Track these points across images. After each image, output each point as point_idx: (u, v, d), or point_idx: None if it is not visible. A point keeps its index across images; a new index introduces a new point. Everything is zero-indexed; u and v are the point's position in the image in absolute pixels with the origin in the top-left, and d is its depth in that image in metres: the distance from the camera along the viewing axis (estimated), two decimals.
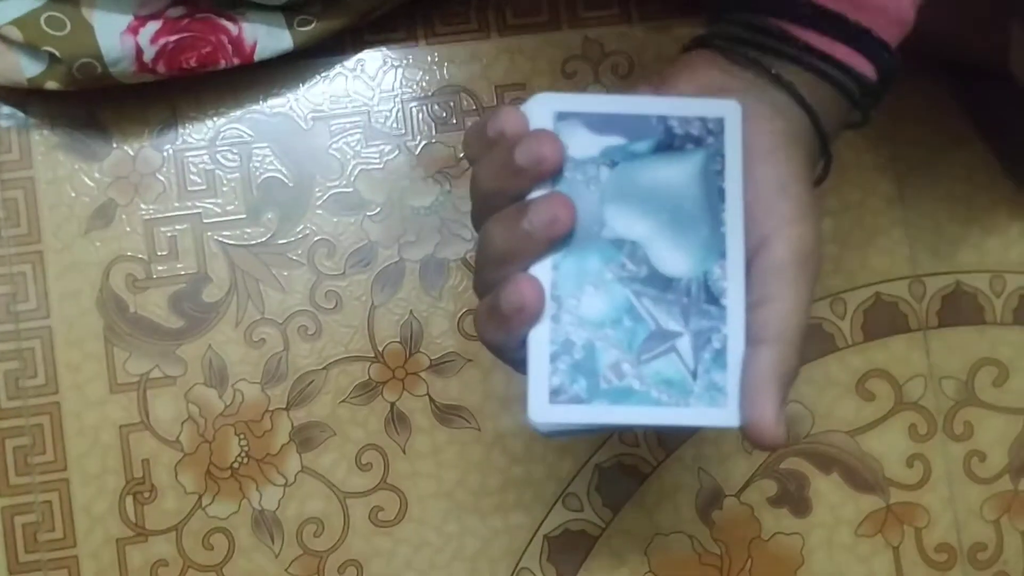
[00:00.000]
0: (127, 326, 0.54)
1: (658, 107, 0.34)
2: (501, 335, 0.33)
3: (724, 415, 0.33)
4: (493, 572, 0.54)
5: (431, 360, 0.54)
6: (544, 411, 0.32)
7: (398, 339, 0.54)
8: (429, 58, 0.55)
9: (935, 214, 0.57)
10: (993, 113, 0.55)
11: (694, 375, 0.33)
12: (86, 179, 0.54)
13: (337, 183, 0.55)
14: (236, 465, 0.53)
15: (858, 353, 0.56)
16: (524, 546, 0.54)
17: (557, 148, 0.32)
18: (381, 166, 0.55)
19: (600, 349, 0.33)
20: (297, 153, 0.54)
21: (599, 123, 0.33)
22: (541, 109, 0.33)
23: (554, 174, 0.32)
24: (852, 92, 0.36)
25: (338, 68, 0.55)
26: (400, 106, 0.55)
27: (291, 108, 0.55)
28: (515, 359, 0.34)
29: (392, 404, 0.54)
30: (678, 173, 0.34)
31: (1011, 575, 0.56)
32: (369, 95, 0.55)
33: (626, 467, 0.55)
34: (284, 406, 0.54)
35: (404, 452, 0.54)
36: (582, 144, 0.33)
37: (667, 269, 0.33)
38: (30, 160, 0.54)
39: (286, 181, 0.54)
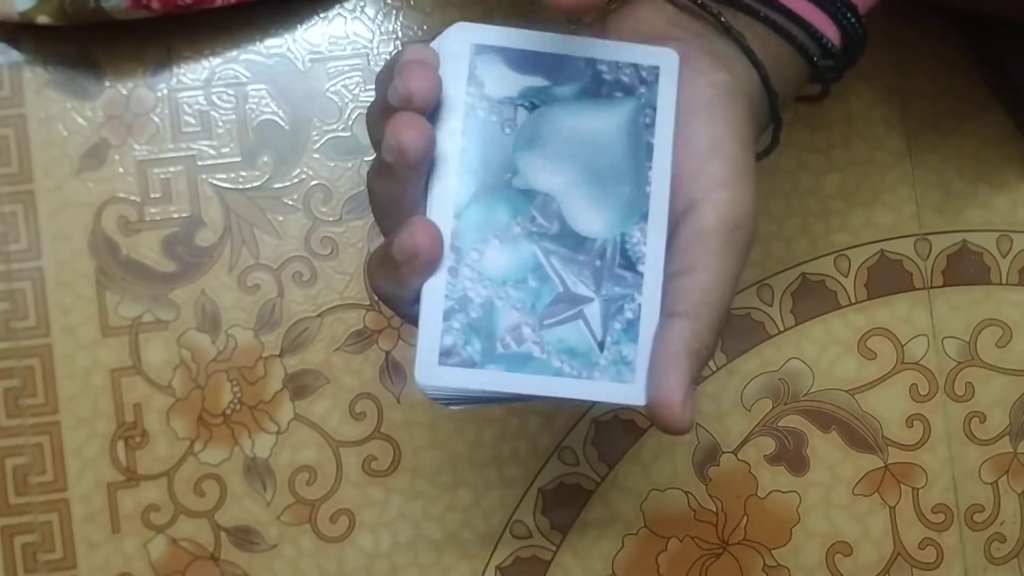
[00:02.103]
0: (119, 269, 0.53)
1: (588, 49, 0.31)
2: (391, 285, 0.30)
3: (630, 392, 0.30)
4: (487, 524, 0.54)
5: None
6: (432, 373, 0.29)
7: None
8: (431, 0, 0.54)
9: (943, 171, 0.56)
10: (1007, 68, 0.54)
11: (601, 346, 0.30)
12: (78, 118, 0.53)
13: (335, 127, 0.53)
14: (228, 411, 0.53)
15: (860, 311, 0.55)
16: (519, 499, 0.54)
17: (428, 80, 0.28)
18: None
19: (500, 309, 0.29)
20: (294, 95, 0.53)
21: (521, 61, 0.30)
22: (456, 41, 0.30)
23: (427, 110, 0.29)
24: (811, 54, 0.33)
25: (337, 9, 0.54)
26: (400, 48, 0.54)
27: (289, 49, 0.53)
28: (410, 314, 0.30)
29: (387, 353, 0.53)
30: (603, 123, 0.30)
31: (1008, 537, 0.56)
32: (369, 37, 0.54)
33: (623, 422, 0.54)
34: (278, 353, 0.53)
35: (398, 401, 0.53)
36: (500, 82, 0.30)
37: (581, 227, 0.30)
38: (21, 98, 0.53)
39: (282, 124, 0.53)
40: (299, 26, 0.53)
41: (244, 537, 0.53)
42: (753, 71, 0.32)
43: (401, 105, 0.28)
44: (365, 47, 0.54)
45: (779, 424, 0.55)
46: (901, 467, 0.55)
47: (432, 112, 0.29)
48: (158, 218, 0.53)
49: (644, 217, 0.30)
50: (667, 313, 0.30)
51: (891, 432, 0.55)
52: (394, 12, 0.54)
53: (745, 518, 0.55)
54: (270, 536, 0.53)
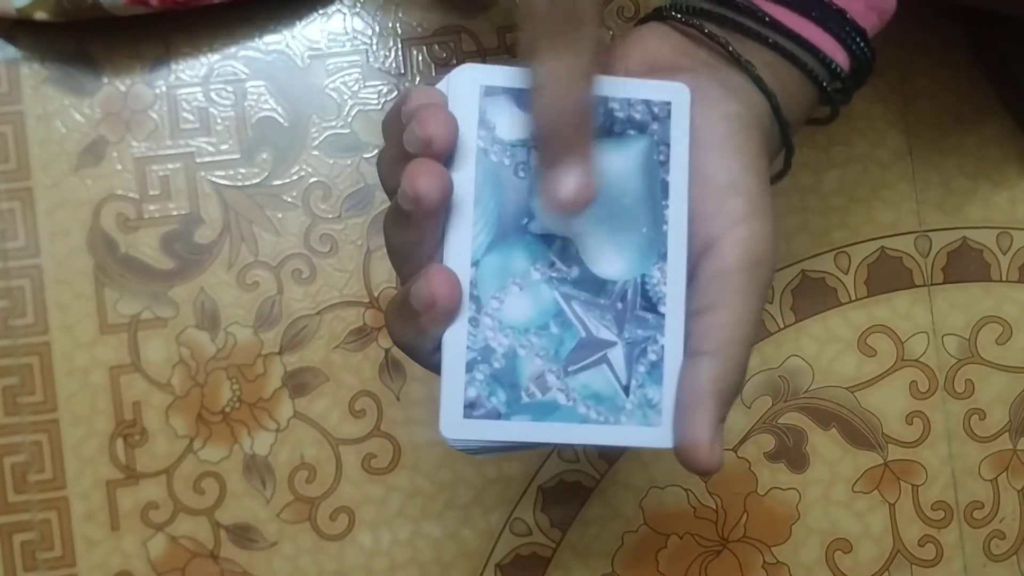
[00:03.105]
0: (118, 266, 0.53)
1: (599, 87, 0.29)
2: (411, 334, 0.29)
3: (657, 435, 0.29)
4: (487, 521, 0.54)
5: None
6: (457, 426, 0.29)
7: (394, 284, 0.53)
8: None
9: (943, 168, 0.56)
10: (1008, 65, 0.54)
11: (627, 390, 0.29)
12: (76, 115, 0.52)
13: (334, 123, 0.53)
14: (228, 409, 0.53)
15: (861, 308, 0.55)
16: (518, 496, 0.54)
17: (446, 124, 0.28)
18: (379, 107, 0.53)
19: (523, 357, 0.29)
20: (293, 92, 0.53)
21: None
22: (464, 83, 0.29)
23: (445, 155, 0.28)
24: (821, 79, 0.33)
25: (336, 5, 0.54)
26: (399, 46, 0.54)
27: (287, 45, 0.53)
28: (431, 362, 0.30)
29: (386, 351, 0.53)
30: (617, 162, 0.30)
31: (1007, 533, 0.56)
32: (368, 34, 0.54)
33: None
34: (277, 350, 0.53)
35: (398, 399, 0.53)
36: (511, 124, 0.29)
37: (601, 270, 0.30)
38: (19, 94, 0.52)
39: (281, 121, 0.53)
40: (298, 22, 0.53)
41: (243, 535, 0.53)
42: (763, 100, 0.32)
43: (419, 151, 0.28)
44: (364, 44, 0.54)
45: (779, 421, 0.55)
46: (901, 464, 0.55)
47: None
48: (157, 215, 0.53)
49: (663, 257, 0.30)
50: (691, 352, 0.30)
51: (891, 429, 0.55)
52: (393, 9, 0.54)
53: (745, 515, 0.55)
54: (269, 534, 0.53)
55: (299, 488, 0.53)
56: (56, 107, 0.52)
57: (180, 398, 0.53)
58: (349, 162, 0.53)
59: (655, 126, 0.30)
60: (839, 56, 0.33)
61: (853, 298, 0.55)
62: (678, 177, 0.30)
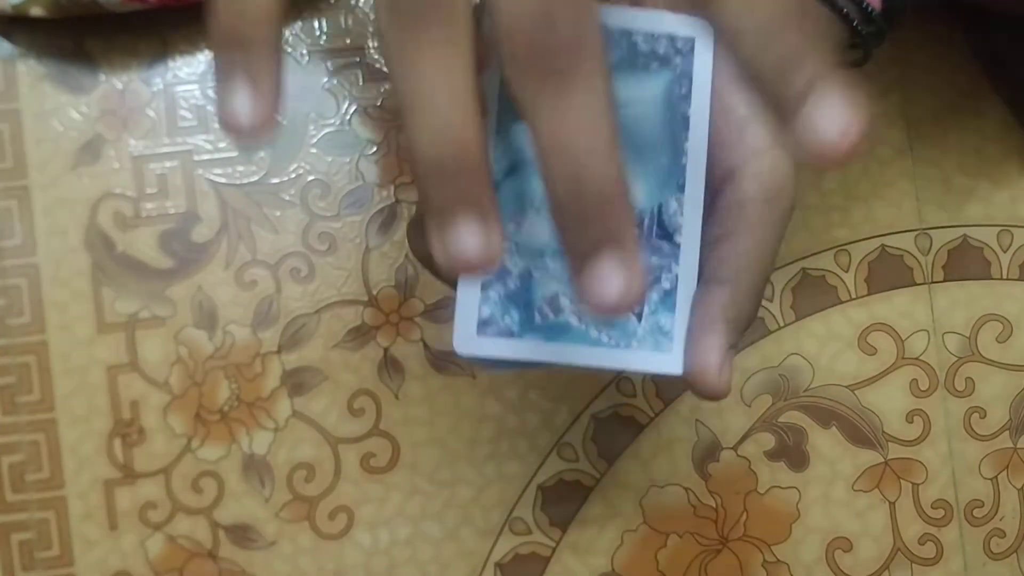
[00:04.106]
0: (115, 265, 0.52)
1: (624, 20, 0.30)
2: (434, 255, 0.25)
3: (668, 361, 0.30)
4: (486, 520, 0.54)
5: (426, 305, 0.53)
6: (470, 343, 0.30)
7: (392, 283, 0.53)
8: None
9: (944, 165, 0.56)
10: (1008, 63, 0.54)
11: (639, 315, 0.30)
12: (73, 113, 0.52)
13: (332, 121, 0.53)
14: (226, 408, 0.53)
15: (861, 306, 0.55)
16: (518, 495, 0.54)
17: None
18: (378, 105, 0.53)
19: (537, 280, 0.30)
20: (291, 89, 0.53)
21: None
22: None
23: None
24: (852, 19, 0.32)
25: (336, 3, 0.53)
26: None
27: (285, 42, 0.53)
28: (445, 276, 0.28)
29: (385, 349, 0.53)
30: (638, 94, 0.30)
31: (1007, 532, 0.56)
32: (367, 31, 0.53)
33: (623, 418, 0.54)
34: (275, 349, 0.53)
35: (397, 398, 0.53)
36: None
37: None
38: (15, 92, 0.52)
39: (279, 119, 0.53)
40: (296, 20, 0.53)
41: (242, 534, 0.53)
42: None
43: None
44: (363, 41, 0.53)
45: (779, 420, 0.55)
46: (901, 463, 0.55)
47: None
48: (154, 214, 0.52)
49: (681, 188, 0.30)
50: (705, 280, 0.30)
51: (891, 428, 0.55)
52: None
53: (745, 514, 0.55)
54: (268, 533, 0.53)
55: (298, 487, 0.53)
56: (53, 105, 0.52)
57: (178, 397, 0.52)
58: (348, 160, 0.53)
59: (678, 60, 0.30)
60: None
61: (853, 296, 0.55)
62: (699, 111, 0.30)
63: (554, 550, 0.54)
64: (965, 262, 0.56)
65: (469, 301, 0.30)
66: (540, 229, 0.30)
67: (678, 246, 0.30)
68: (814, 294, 0.55)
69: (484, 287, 0.29)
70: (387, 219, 0.53)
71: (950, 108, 0.56)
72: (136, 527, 0.52)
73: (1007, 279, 0.56)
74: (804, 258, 0.55)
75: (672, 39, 0.30)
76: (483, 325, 0.30)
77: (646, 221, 0.30)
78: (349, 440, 0.53)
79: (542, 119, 0.22)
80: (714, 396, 0.30)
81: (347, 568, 0.53)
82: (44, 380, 0.52)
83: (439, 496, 0.53)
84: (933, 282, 0.55)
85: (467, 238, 0.23)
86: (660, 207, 0.30)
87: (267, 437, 0.53)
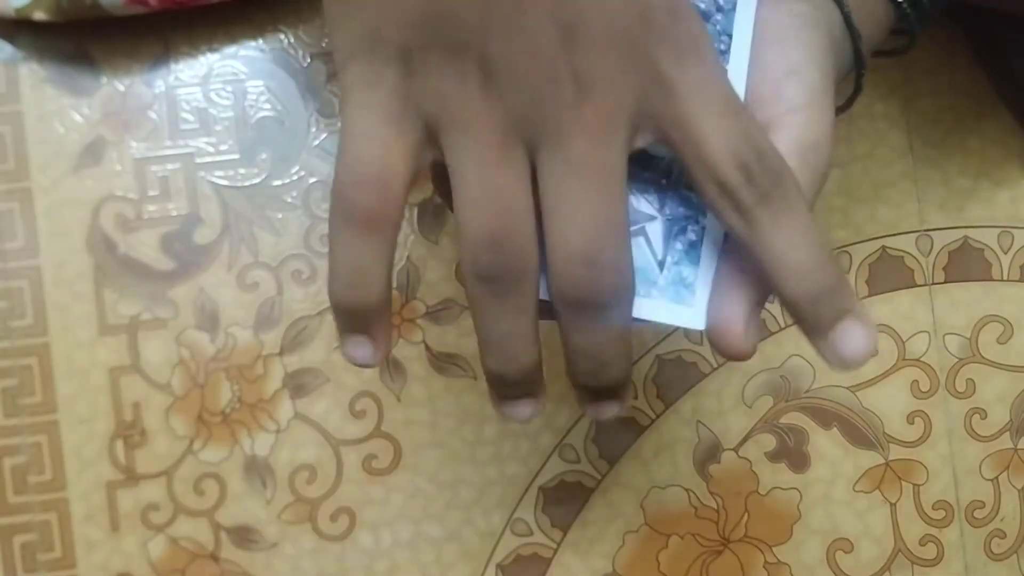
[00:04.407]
0: (117, 267, 0.52)
1: None
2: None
3: (688, 314, 0.29)
4: (487, 522, 0.54)
5: (427, 307, 0.53)
6: None
7: (394, 285, 0.53)
8: None
9: (945, 167, 0.56)
10: (1009, 64, 0.54)
11: (661, 265, 0.29)
12: (75, 115, 0.52)
13: (334, 123, 0.53)
14: (228, 410, 0.53)
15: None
16: (519, 497, 0.54)
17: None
18: None
19: None
20: (293, 92, 0.53)
21: None
22: None
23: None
24: (901, 2, 0.32)
25: None
26: None
27: (287, 45, 0.53)
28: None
29: None
30: None
31: (1008, 533, 0.56)
32: None
33: (624, 419, 0.54)
34: (277, 351, 0.53)
35: (399, 400, 0.53)
36: None
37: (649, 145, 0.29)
38: (18, 94, 0.52)
39: (281, 121, 0.53)
40: (298, 22, 0.53)
41: (244, 536, 0.53)
42: (835, 8, 0.31)
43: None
44: None
45: (780, 421, 0.55)
46: (902, 464, 0.55)
47: None
48: (156, 216, 0.53)
49: None
50: None
51: (892, 429, 0.55)
52: None
53: (746, 515, 0.55)
54: (270, 535, 0.53)
55: (300, 489, 0.53)
56: (55, 107, 0.52)
57: (180, 399, 0.52)
58: None
59: (719, 17, 0.30)
60: None
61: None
62: (737, 68, 0.30)
63: (555, 551, 0.54)
64: (966, 263, 0.56)
65: None
66: None
67: None
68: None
69: None
70: None
71: (951, 110, 0.56)
72: (138, 529, 0.52)
73: (1008, 280, 0.56)
74: None
75: None
76: None
77: (675, 169, 0.30)
78: (351, 442, 0.53)
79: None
80: (738, 356, 0.30)
81: (349, 569, 0.53)
82: (46, 382, 0.52)
83: (441, 497, 0.54)
84: (934, 283, 0.56)
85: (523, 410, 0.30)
86: None
87: (269, 439, 0.53)
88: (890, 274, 0.55)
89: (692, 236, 0.29)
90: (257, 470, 0.53)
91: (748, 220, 0.27)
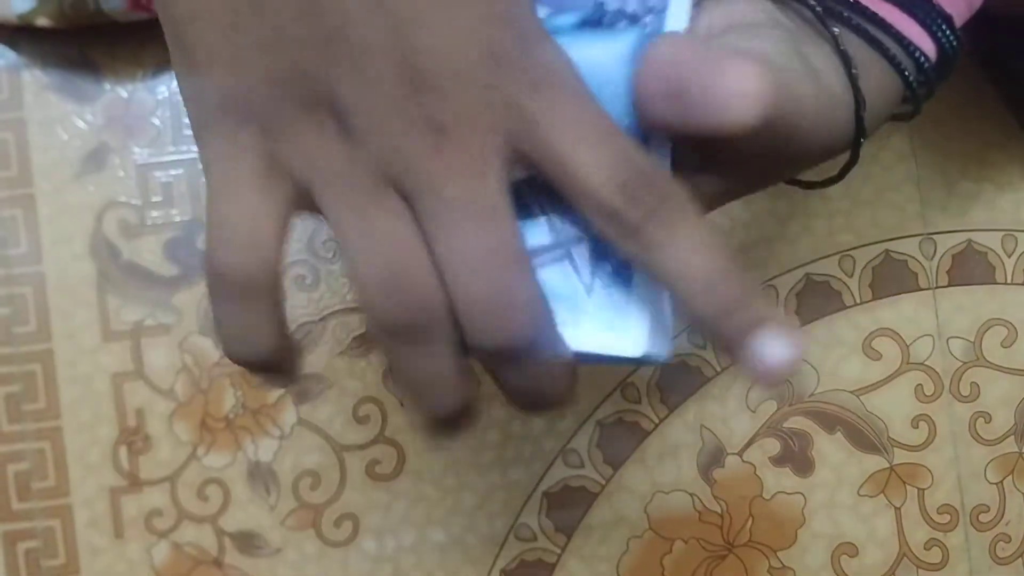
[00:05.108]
0: (120, 273, 0.52)
1: None
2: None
3: (619, 342, 0.27)
4: (491, 527, 0.54)
5: None
6: None
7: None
8: None
9: (948, 170, 0.56)
10: (1011, 67, 0.54)
11: (588, 289, 0.27)
12: (78, 121, 0.52)
13: None
14: (231, 416, 0.53)
15: (866, 312, 0.55)
16: (523, 502, 0.54)
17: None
18: None
19: None
20: None
21: None
22: None
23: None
24: (905, 70, 0.30)
25: None
26: None
27: None
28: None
29: None
30: (602, 53, 0.27)
31: (1013, 537, 0.56)
32: None
33: (627, 424, 0.54)
34: None
35: (402, 405, 0.53)
36: None
37: None
38: (20, 101, 0.52)
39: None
40: None
41: (248, 542, 0.53)
42: (841, 76, 0.29)
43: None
44: None
45: (784, 425, 0.55)
46: (907, 468, 0.55)
47: None
48: (159, 222, 0.53)
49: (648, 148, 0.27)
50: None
51: (896, 433, 0.55)
52: None
53: (750, 520, 0.55)
54: (274, 541, 0.53)
55: (303, 495, 0.53)
56: (58, 114, 0.52)
57: (183, 405, 0.52)
58: None
59: (649, 19, 0.27)
60: (925, 45, 0.30)
61: (858, 301, 0.55)
62: None
63: (560, 556, 0.54)
64: (969, 267, 0.56)
65: None
66: None
67: None
68: (818, 299, 0.55)
69: None
70: None
71: (954, 114, 0.56)
72: (142, 535, 0.52)
73: (1012, 284, 0.56)
74: (808, 263, 0.55)
75: None
76: None
77: None
78: (354, 447, 0.53)
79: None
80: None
81: (353, 575, 0.53)
82: (50, 388, 0.52)
83: (444, 503, 0.53)
84: (938, 287, 0.55)
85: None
86: None
87: (272, 444, 0.53)
88: (894, 278, 0.55)
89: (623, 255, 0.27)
90: (261, 476, 0.53)
91: (641, 242, 0.25)
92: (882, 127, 0.33)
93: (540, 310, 0.26)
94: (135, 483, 0.52)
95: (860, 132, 0.30)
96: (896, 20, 0.30)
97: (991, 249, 0.56)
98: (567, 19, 0.27)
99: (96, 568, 0.52)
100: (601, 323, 0.27)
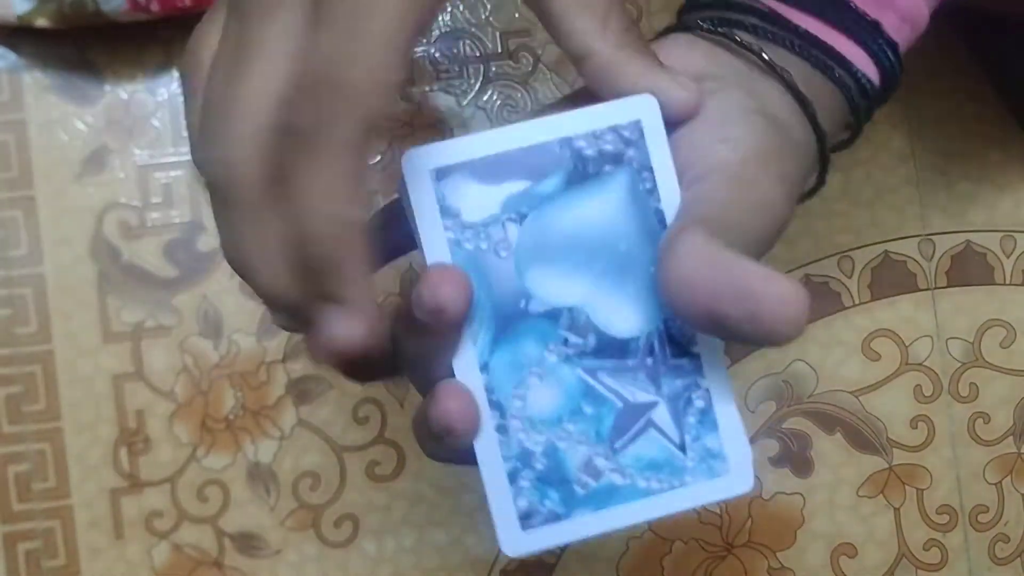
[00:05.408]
0: (121, 274, 0.52)
1: (557, 128, 0.26)
2: (442, 452, 0.27)
3: (730, 484, 0.27)
4: (491, 528, 0.54)
5: None
6: (519, 543, 0.27)
7: (398, 292, 0.53)
8: None
9: (947, 171, 0.56)
10: (1010, 68, 0.54)
11: (682, 448, 0.27)
12: (79, 123, 0.52)
13: None
14: (231, 417, 0.53)
15: (865, 312, 0.55)
16: None
17: (459, 288, 0.24)
18: None
19: (565, 450, 0.26)
20: None
21: (490, 169, 0.26)
22: (413, 173, 0.26)
23: (463, 318, 0.25)
24: (852, 94, 0.31)
25: None
26: None
27: None
28: (470, 462, 0.28)
29: None
30: (600, 207, 0.27)
31: (1011, 536, 0.56)
32: None
33: None
34: (280, 358, 0.53)
35: (402, 406, 0.53)
36: (476, 202, 0.26)
37: (618, 330, 0.27)
38: (21, 103, 0.52)
39: None
40: None
41: (248, 543, 0.53)
42: (796, 112, 0.30)
43: (431, 320, 0.25)
44: None
45: (783, 426, 0.55)
46: (905, 468, 0.55)
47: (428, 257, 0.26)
48: (159, 223, 0.53)
49: None
50: (684, 221, 0.26)
51: (895, 433, 0.55)
52: None
53: (750, 521, 0.55)
54: (274, 542, 0.53)
55: (303, 495, 0.53)
56: (58, 115, 0.52)
57: (183, 406, 0.53)
58: None
59: (631, 152, 0.27)
60: (870, 71, 0.31)
61: (857, 302, 0.55)
62: (670, 199, 0.27)
63: (559, 558, 0.54)
64: (968, 268, 0.56)
65: (502, 499, 0.27)
66: (549, 395, 0.27)
67: (698, 356, 0.27)
68: (817, 300, 0.55)
69: (512, 478, 0.26)
70: None
71: (953, 114, 0.56)
72: (142, 536, 0.52)
73: (1010, 284, 0.56)
74: (807, 264, 0.55)
75: (617, 131, 0.27)
76: (525, 519, 0.27)
77: (655, 344, 0.27)
78: (354, 448, 0.53)
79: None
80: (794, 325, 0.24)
81: None
82: (50, 389, 0.52)
83: (444, 503, 0.54)
84: (937, 288, 0.56)
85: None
86: (665, 323, 0.27)
87: (272, 445, 0.53)
88: (893, 279, 0.55)
89: (700, 403, 0.27)
90: (261, 477, 0.53)
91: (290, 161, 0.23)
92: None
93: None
94: (135, 484, 0.52)
95: (824, 160, 0.31)
96: (843, 47, 0.30)
97: (990, 250, 0.56)
98: (552, 183, 0.27)
99: (96, 569, 0.52)
100: (705, 474, 0.27)
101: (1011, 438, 0.56)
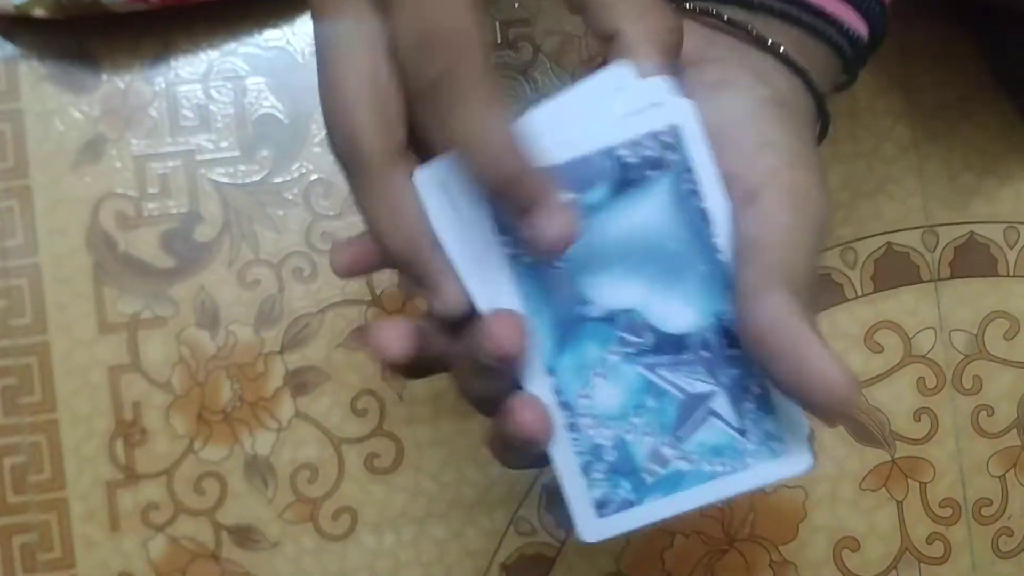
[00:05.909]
0: (117, 265, 0.52)
1: (599, 139, 0.28)
2: (522, 461, 0.30)
3: (790, 463, 0.29)
4: (490, 520, 0.53)
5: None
6: (596, 529, 0.30)
7: (395, 283, 0.53)
8: None
9: (950, 162, 0.55)
10: (1011, 58, 0.53)
11: (743, 432, 0.29)
12: (75, 112, 0.52)
13: None
14: (229, 409, 0.52)
15: (867, 304, 0.55)
16: (522, 495, 0.53)
17: (516, 329, 0.27)
18: None
19: (632, 442, 0.29)
20: (293, 89, 0.53)
21: None
22: (435, 193, 0.28)
23: (525, 351, 0.28)
24: (845, 52, 0.32)
25: None
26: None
27: (288, 42, 0.53)
28: (542, 462, 0.30)
29: None
30: (648, 211, 0.28)
31: (1015, 530, 0.55)
32: None
33: None
34: (278, 349, 0.52)
35: (401, 398, 0.53)
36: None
37: (674, 327, 0.29)
38: (17, 92, 0.52)
39: (282, 118, 0.53)
40: (298, 18, 0.53)
41: (245, 535, 0.52)
42: (793, 78, 0.31)
43: (497, 365, 0.27)
44: None
45: None
46: (908, 461, 0.55)
47: (475, 278, 0.28)
48: (156, 213, 0.52)
49: (728, 286, 0.29)
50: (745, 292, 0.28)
51: (899, 426, 0.55)
52: None
53: (751, 514, 0.54)
54: (271, 534, 0.52)
55: (301, 488, 0.53)
56: (55, 105, 0.52)
57: (180, 398, 0.52)
58: None
59: (672, 156, 0.28)
60: (860, 27, 0.32)
61: (859, 294, 0.55)
62: (714, 199, 0.28)
63: (559, 550, 0.54)
64: (972, 259, 0.55)
65: (578, 491, 0.30)
66: (613, 392, 0.29)
67: None
68: (820, 292, 0.55)
69: (586, 471, 0.29)
70: None
71: (955, 105, 0.55)
72: (138, 528, 0.52)
73: (1014, 276, 0.55)
74: None
75: (656, 136, 0.28)
76: (601, 507, 0.30)
77: (710, 337, 0.29)
78: (352, 440, 0.53)
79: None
80: (844, 402, 0.27)
81: (351, 569, 0.53)
82: (46, 381, 0.52)
83: (443, 496, 0.53)
84: (940, 279, 0.55)
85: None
86: (718, 316, 0.29)
87: (270, 437, 0.52)
88: (895, 270, 0.55)
89: (757, 390, 0.29)
90: (258, 469, 0.52)
91: (432, 103, 0.26)
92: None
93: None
94: (131, 476, 0.52)
95: (825, 117, 0.33)
96: (832, 7, 0.32)
97: (993, 241, 0.55)
98: (598, 192, 0.28)
99: (92, 562, 0.52)
100: (767, 456, 0.29)
101: (1015, 431, 0.55)
